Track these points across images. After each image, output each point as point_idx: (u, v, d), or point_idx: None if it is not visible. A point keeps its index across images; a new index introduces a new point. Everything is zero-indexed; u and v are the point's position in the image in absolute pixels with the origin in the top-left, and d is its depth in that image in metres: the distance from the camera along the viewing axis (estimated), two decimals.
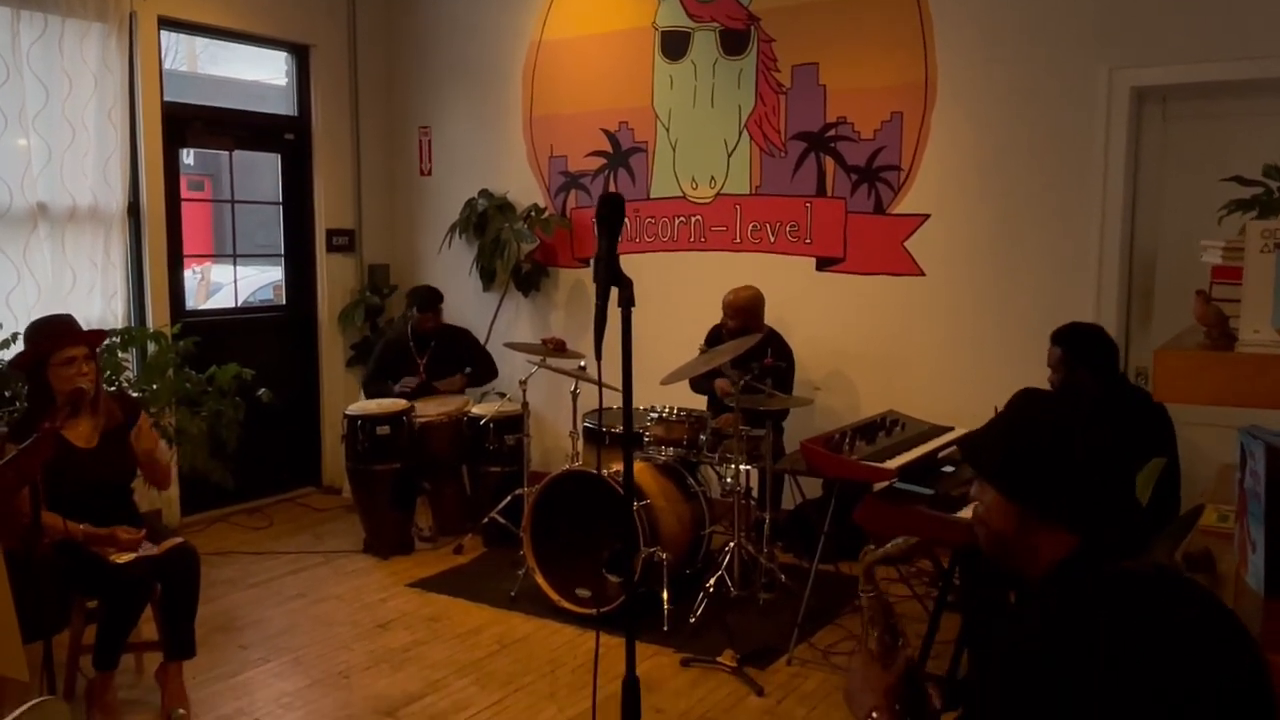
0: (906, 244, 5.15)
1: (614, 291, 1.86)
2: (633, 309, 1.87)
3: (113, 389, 4.49)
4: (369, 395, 5.75)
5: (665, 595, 4.30)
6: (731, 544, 4.52)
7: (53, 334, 3.55)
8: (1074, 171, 4.72)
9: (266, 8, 6.12)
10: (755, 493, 4.80)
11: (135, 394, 4.85)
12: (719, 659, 3.95)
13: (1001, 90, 4.86)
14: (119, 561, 3.41)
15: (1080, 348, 3.50)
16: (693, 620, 4.27)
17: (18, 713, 1.72)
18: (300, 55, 6.44)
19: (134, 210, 5.52)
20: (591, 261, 1.91)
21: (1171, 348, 1.90)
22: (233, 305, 6.62)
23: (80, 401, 3.39)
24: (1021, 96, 4.81)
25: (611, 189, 6.01)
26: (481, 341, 6.25)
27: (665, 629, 4.22)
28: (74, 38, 5.11)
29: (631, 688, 1.98)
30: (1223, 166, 3.60)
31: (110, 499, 3.60)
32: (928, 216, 5.09)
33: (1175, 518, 2.91)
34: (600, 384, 2.27)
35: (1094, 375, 3.46)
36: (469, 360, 5.93)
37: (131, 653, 3.80)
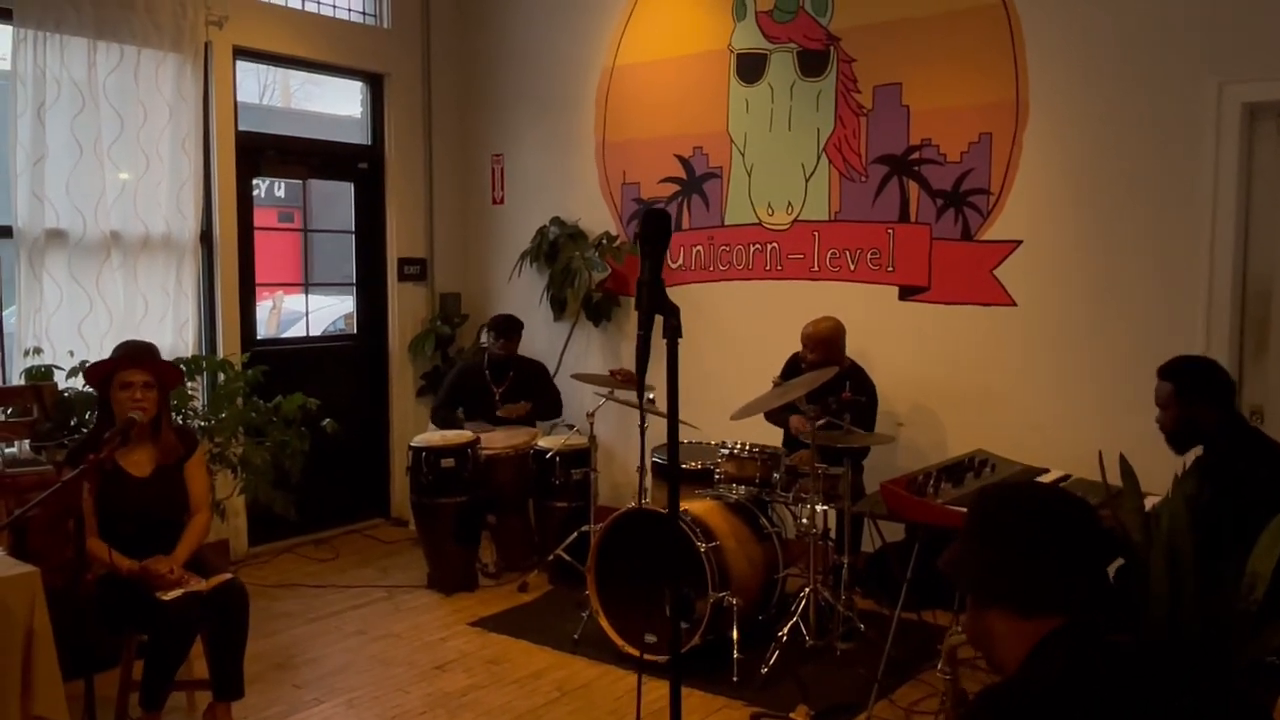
0: (996, 272, 4.85)
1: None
2: (680, 339, 1.68)
3: (178, 420, 4.44)
4: (437, 422, 5.65)
5: (735, 642, 4.05)
6: (807, 589, 4.25)
7: (123, 355, 3.57)
8: (1180, 194, 4.39)
9: (341, 37, 6.13)
10: (833, 535, 4.53)
11: (202, 423, 4.82)
12: (791, 715, 3.69)
13: (1099, 108, 4.55)
14: (165, 599, 3.31)
15: (1193, 381, 3.16)
16: (764, 671, 4.01)
17: None
18: (375, 84, 6.43)
19: (206, 239, 5.52)
20: (636, 287, 1.73)
21: None
22: (304, 335, 6.59)
23: (130, 431, 3.32)
24: (1121, 114, 4.49)
25: (685, 216, 5.83)
26: (553, 370, 6.11)
27: (735, 679, 3.98)
28: (149, 68, 5.14)
29: None
30: None
31: (160, 530, 3.51)
32: (1019, 243, 4.79)
33: None
34: (640, 407, 2.07)
35: (1213, 410, 3.12)
36: (540, 395, 5.79)
37: (182, 691, 3.70)
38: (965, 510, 3.36)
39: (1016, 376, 4.82)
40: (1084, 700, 1.33)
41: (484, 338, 5.96)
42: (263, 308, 6.33)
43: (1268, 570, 2.18)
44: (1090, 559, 1.49)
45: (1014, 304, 4.83)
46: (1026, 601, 1.48)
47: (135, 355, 3.58)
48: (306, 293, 6.50)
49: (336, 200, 6.72)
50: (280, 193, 9.01)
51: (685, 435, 5.01)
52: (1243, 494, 2.67)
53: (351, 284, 6.59)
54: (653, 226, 1.72)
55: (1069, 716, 1.32)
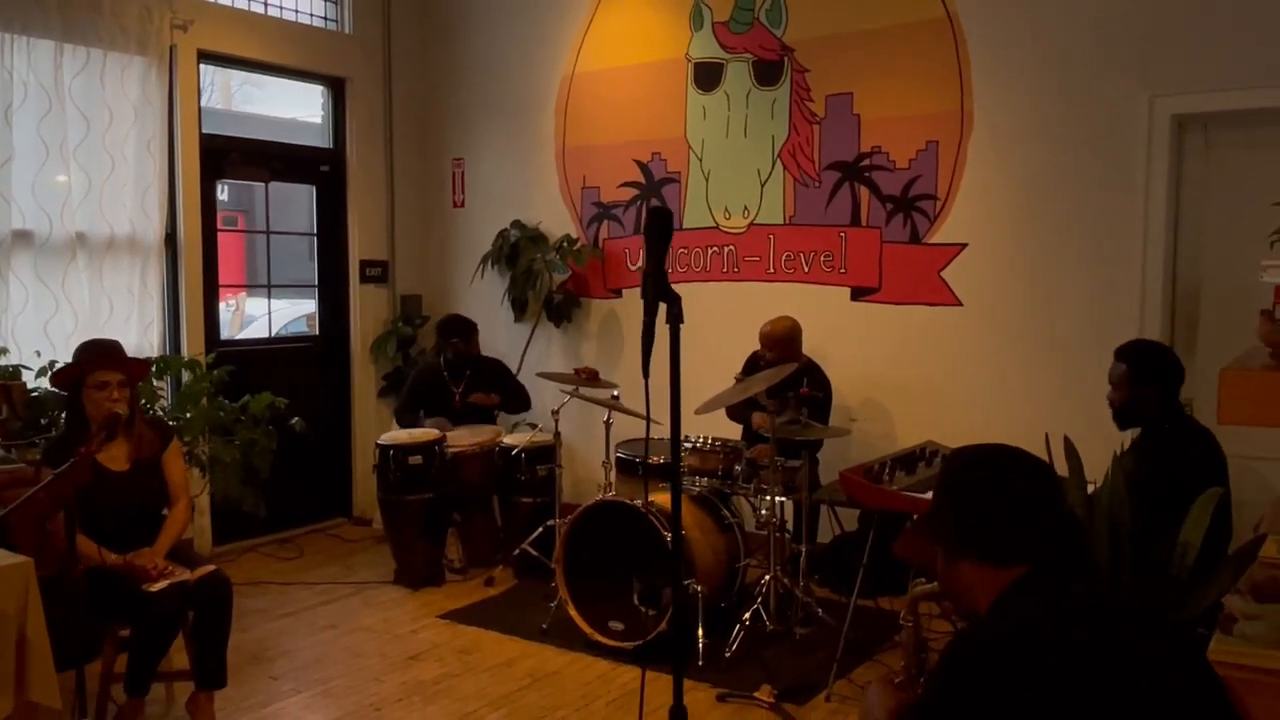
0: (943, 274, 5.10)
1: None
2: (681, 325, 1.84)
3: (148, 415, 4.49)
4: (401, 425, 5.73)
5: (700, 629, 4.22)
6: (767, 577, 4.44)
7: (93, 355, 3.59)
8: (1114, 200, 4.66)
9: (303, 42, 6.20)
10: (790, 525, 4.72)
11: (170, 422, 4.86)
12: (756, 694, 3.87)
13: (1040, 118, 4.81)
14: (151, 590, 3.38)
15: (1145, 364, 3.38)
16: (728, 654, 4.19)
17: None
18: (336, 88, 6.50)
19: (171, 240, 5.56)
20: (641, 278, 1.92)
21: (1236, 368, 1.83)
22: (266, 335, 6.64)
23: (115, 426, 3.39)
24: (1060, 124, 4.76)
25: (643, 220, 6.00)
26: (515, 370, 6.22)
27: (700, 663, 4.14)
28: (115, 71, 5.18)
29: (679, 716, 1.92)
30: (1267, 194, 3.55)
31: (141, 524, 3.59)
32: (965, 246, 5.04)
33: (1228, 548, 2.82)
34: (630, 412, 2.22)
35: (1158, 394, 3.35)
36: (504, 391, 5.90)
37: (162, 681, 3.77)
38: (918, 496, 3.58)
39: (962, 372, 5.07)
40: (1047, 638, 1.49)
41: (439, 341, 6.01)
42: (225, 309, 6.36)
43: (1198, 540, 2.40)
44: (1050, 512, 1.66)
45: (960, 304, 5.07)
46: (992, 552, 1.64)
47: (106, 355, 3.61)
48: (270, 295, 6.54)
49: (289, 203, 6.77)
50: (224, 195, 9.00)
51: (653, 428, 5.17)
52: (1177, 472, 2.90)
53: (312, 286, 6.65)
54: (656, 223, 1.88)
55: (1034, 654, 1.48)
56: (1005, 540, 1.64)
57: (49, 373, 4.60)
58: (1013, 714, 1.44)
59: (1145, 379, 3.34)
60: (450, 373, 5.80)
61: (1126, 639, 1.52)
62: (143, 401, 4.68)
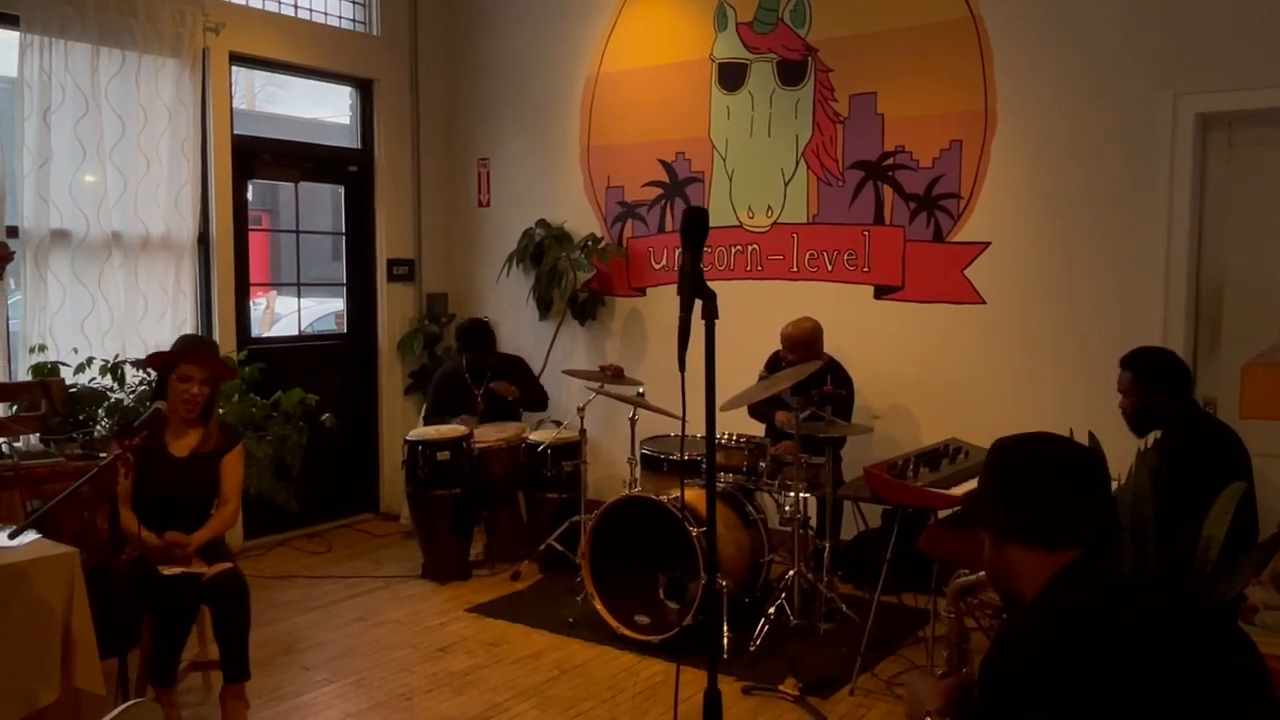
0: (966, 272, 5.12)
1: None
2: (716, 320, 1.89)
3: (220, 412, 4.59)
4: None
5: (725, 623, 4.27)
6: (791, 573, 4.48)
7: (186, 349, 3.80)
8: (1138, 199, 4.67)
9: (333, 44, 6.29)
10: (813, 521, 4.76)
11: None
12: (780, 687, 3.92)
13: (1063, 117, 4.83)
14: (166, 573, 3.47)
15: (1151, 368, 3.44)
16: (752, 648, 4.24)
17: (114, 713, 1.76)
18: (365, 90, 6.59)
19: (203, 240, 5.66)
20: (678, 275, 1.99)
21: (1258, 364, 1.87)
22: (296, 334, 6.74)
23: (157, 422, 3.47)
24: (1084, 123, 4.78)
25: (669, 219, 6.06)
26: (538, 369, 6.28)
27: (725, 657, 4.19)
28: (150, 73, 5.28)
29: (712, 702, 1.97)
30: None
31: (184, 512, 3.68)
32: (988, 244, 5.06)
33: (1255, 542, 2.84)
34: (657, 409, 2.27)
35: (1169, 396, 3.39)
36: (523, 387, 5.95)
37: (199, 671, 3.86)
38: (942, 492, 3.62)
39: (986, 370, 5.09)
40: (1103, 621, 1.52)
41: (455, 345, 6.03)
42: (255, 307, 6.46)
43: (1221, 533, 2.43)
44: (1099, 496, 1.68)
45: (983, 302, 5.09)
46: (1046, 536, 1.66)
47: (197, 352, 3.79)
48: (299, 294, 6.64)
49: (313, 202, 6.84)
50: (249, 194, 9.12)
51: (674, 427, 5.22)
52: (1201, 467, 2.93)
53: (340, 284, 6.73)
54: (692, 222, 1.93)
55: (1089, 636, 1.51)
56: (1057, 525, 1.65)
57: (84, 368, 4.73)
58: (1066, 699, 1.47)
59: (1154, 382, 3.40)
60: (471, 374, 5.86)
61: (1175, 627, 1.55)
62: None
